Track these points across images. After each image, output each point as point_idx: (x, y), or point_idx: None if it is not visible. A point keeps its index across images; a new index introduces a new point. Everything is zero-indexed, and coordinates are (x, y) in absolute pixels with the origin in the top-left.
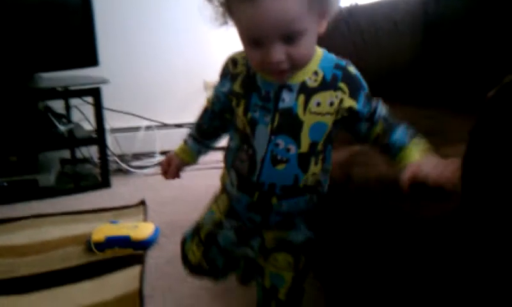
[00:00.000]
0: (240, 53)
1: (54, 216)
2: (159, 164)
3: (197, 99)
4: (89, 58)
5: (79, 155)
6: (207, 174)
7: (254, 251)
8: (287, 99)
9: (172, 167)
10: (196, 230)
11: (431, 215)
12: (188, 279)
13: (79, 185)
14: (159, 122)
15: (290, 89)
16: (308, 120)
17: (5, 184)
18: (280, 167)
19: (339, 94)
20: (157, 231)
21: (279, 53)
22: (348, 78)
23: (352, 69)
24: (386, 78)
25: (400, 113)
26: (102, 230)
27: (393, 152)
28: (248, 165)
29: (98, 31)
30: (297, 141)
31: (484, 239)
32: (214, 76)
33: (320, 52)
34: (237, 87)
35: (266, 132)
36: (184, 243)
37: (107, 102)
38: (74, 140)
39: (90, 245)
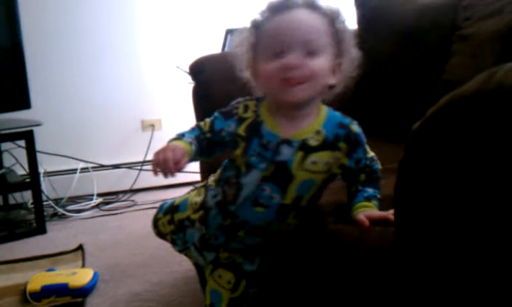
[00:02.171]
0: (252, 100)
1: None
2: (154, 154)
3: (134, 139)
4: (21, 101)
5: (12, 200)
6: (145, 216)
7: (205, 262)
8: (285, 153)
9: (178, 154)
10: (171, 209)
11: (361, 255)
12: None
13: (13, 233)
14: (95, 163)
15: (290, 144)
16: (299, 176)
17: None
18: (259, 209)
19: (336, 154)
20: (96, 276)
21: (298, 57)
22: (350, 137)
23: (355, 127)
24: None
25: None
26: (38, 279)
27: (357, 199)
28: (233, 195)
29: (30, 72)
30: (283, 192)
31: (418, 271)
32: (151, 115)
33: (324, 111)
34: (241, 130)
35: (258, 177)
36: (159, 210)
37: (40, 144)
38: (6, 185)
39: (26, 296)
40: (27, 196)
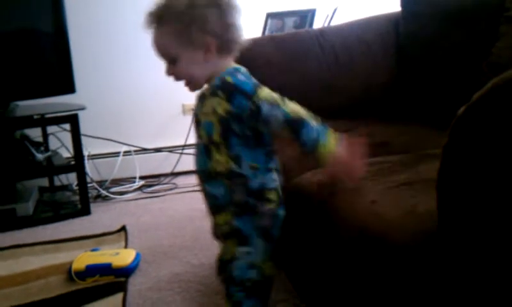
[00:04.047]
0: None
1: (33, 246)
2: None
3: (175, 123)
4: (66, 85)
5: (57, 182)
6: (186, 199)
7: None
8: (197, 105)
9: None
10: None
11: (405, 239)
12: (172, 305)
13: (59, 213)
14: (138, 147)
15: (198, 98)
16: (202, 119)
17: None
18: (199, 156)
19: (218, 100)
20: (138, 257)
21: (168, 70)
22: (224, 86)
23: (229, 78)
24: (361, 98)
25: (377, 130)
26: (82, 258)
27: (310, 151)
28: None
29: (74, 57)
30: (200, 135)
31: (463, 258)
32: (191, 99)
33: (229, 68)
34: None
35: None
36: None
37: (84, 128)
38: (52, 168)
39: (71, 275)
40: (72, 178)
